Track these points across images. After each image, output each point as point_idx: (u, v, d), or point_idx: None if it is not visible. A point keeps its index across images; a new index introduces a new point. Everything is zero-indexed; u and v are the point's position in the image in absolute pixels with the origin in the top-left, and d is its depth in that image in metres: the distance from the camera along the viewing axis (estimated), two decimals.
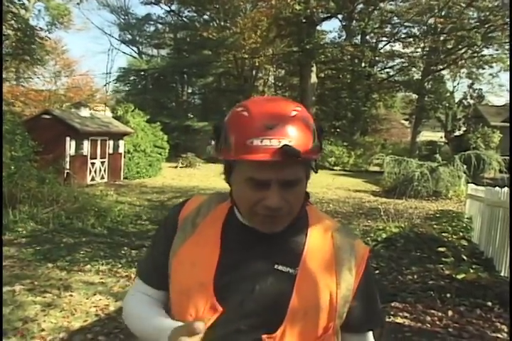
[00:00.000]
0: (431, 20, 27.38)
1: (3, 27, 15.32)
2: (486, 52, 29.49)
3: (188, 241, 1.11)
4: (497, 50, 28.83)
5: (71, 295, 5.15)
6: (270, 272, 1.04)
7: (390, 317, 4.13)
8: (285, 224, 1.05)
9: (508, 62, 28.94)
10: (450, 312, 4.22)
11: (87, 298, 5.10)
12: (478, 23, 25.84)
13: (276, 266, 1.04)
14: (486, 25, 24.49)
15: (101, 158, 18.26)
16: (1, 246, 6.66)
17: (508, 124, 24.69)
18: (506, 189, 6.20)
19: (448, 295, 4.59)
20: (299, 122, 0.99)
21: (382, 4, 28.43)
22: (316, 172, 1.07)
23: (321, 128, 1.05)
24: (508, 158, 17.13)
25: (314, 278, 1.04)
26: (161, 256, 1.15)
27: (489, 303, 4.40)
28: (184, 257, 1.10)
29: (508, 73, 30.54)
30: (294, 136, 0.97)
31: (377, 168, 23.18)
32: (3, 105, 11.35)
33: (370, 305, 1.13)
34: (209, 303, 1.03)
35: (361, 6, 29.32)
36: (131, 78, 37.69)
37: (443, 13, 26.63)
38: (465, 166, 16.17)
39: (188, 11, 37.23)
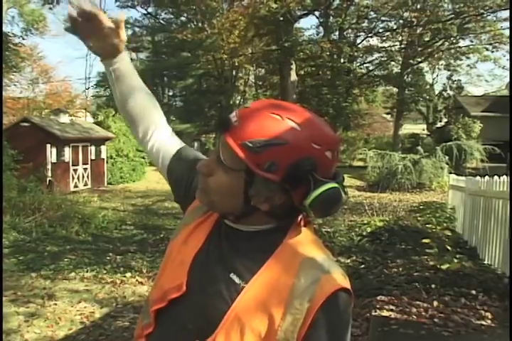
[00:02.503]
0: (406, 14, 27.55)
1: None
2: (462, 43, 29.79)
3: (196, 220, 1.12)
4: (471, 41, 29.15)
5: (55, 304, 5.10)
6: (225, 279, 0.99)
7: (376, 311, 4.14)
8: (203, 203, 1.04)
9: (485, 53, 29.32)
10: (435, 303, 4.23)
11: (71, 306, 5.05)
12: (453, 15, 26.06)
13: (231, 275, 0.99)
14: (461, 16, 24.70)
15: (83, 165, 18.11)
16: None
17: (488, 114, 25.02)
18: (487, 178, 6.25)
19: (433, 285, 4.60)
20: (264, 121, 0.93)
21: None
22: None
23: (297, 168, 0.91)
24: (489, 147, 17.35)
25: (258, 300, 0.94)
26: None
27: (473, 292, 4.42)
28: (184, 234, 1.11)
29: (485, 63, 30.86)
30: (244, 120, 0.94)
31: (360, 163, 23.29)
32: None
33: None
34: (178, 281, 1.02)
35: (337, 1, 29.42)
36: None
37: (418, 7, 26.81)
38: (447, 157, 16.33)
39: (165, 13, 37.06)
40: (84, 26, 1.19)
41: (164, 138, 1.29)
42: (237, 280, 0.98)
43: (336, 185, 0.94)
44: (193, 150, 1.30)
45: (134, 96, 1.29)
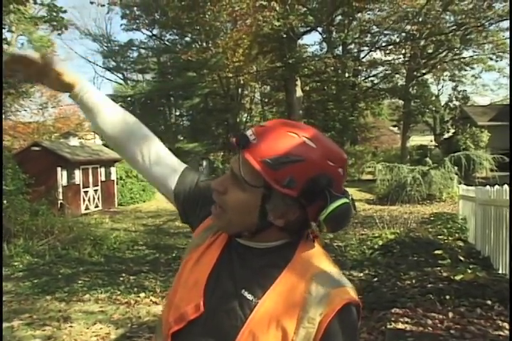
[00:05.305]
0: (408, 27, 27.75)
1: None
2: (465, 54, 29.89)
3: (207, 241, 1.13)
4: (474, 51, 29.23)
5: (71, 326, 5.11)
6: (237, 296, 1.01)
7: (391, 324, 4.12)
8: (221, 223, 1.05)
9: (489, 63, 29.36)
10: (451, 314, 4.20)
11: (87, 328, 5.06)
12: (455, 26, 26.21)
13: (242, 291, 1.01)
14: (463, 28, 24.83)
15: (94, 186, 18.23)
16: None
17: (495, 123, 24.96)
18: (497, 187, 6.23)
19: (447, 297, 4.57)
20: (283, 139, 0.97)
21: (359, 15, 28.81)
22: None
23: (316, 183, 0.96)
24: (497, 156, 17.28)
25: (271, 315, 0.97)
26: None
27: (489, 302, 4.38)
28: (196, 254, 1.12)
29: (490, 73, 30.86)
30: (263, 137, 0.97)
31: (369, 176, 23.24)
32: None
33: None
34: (195, 302, 1.03)
35: (339, 17, 29.71)
36: (119, 104, 37.63)
37: (420, 19, 27.01)
38: (456, 167, 16.27)
39: (170, 35, 37.60)
40: (25, 72, 1.20)
41: (167, 162, 1.32)
42: (249, 296, 1.00)
43: (347, 200, 0.99)
44: (196, 172, 1.34)
45: (116, 124, 1.32)
